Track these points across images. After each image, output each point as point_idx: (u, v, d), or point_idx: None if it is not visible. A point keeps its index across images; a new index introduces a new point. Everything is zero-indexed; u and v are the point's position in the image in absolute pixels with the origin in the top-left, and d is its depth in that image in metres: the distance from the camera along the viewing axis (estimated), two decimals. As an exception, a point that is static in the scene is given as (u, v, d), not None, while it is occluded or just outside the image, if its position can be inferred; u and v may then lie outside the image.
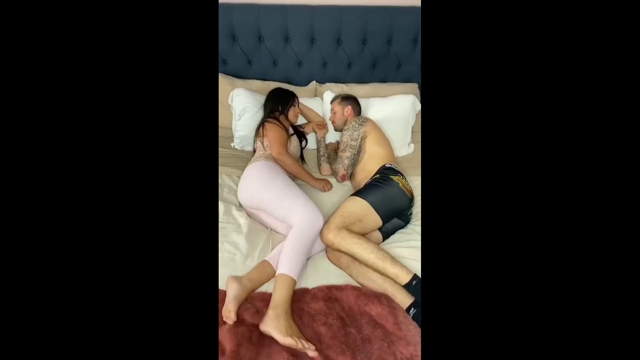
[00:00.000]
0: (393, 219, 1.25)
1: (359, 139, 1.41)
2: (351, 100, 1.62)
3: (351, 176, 1.47)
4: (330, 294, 0.98)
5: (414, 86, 1.96)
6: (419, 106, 1.81)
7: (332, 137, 1.74)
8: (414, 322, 0.92)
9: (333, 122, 1.64)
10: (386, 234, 1.25)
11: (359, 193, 1.22)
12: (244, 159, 1.58)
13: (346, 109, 1.58)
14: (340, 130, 1.61)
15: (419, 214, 1.31)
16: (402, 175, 1.31)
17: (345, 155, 1.41)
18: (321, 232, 1.11)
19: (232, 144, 1.71)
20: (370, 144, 1.42)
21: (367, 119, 1.47)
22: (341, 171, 1.41)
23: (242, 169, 1.40)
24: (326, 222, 1.14)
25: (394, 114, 1.73)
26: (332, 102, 1.66)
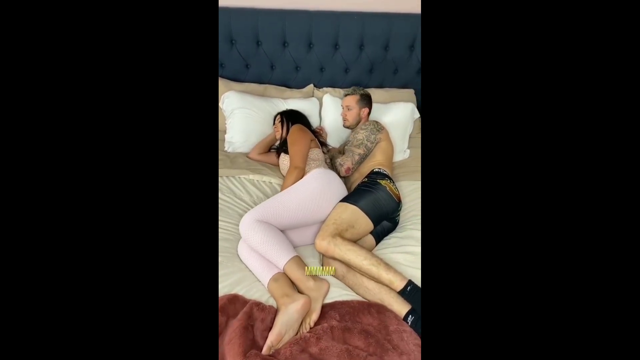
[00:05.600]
0: (382, 221, 1.26)
1: (375, 143, 1.45)
2: (369, 101, 1.61)
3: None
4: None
5: (411, 92, 1.97)
6: (417, 114, 1.86)
7: (333, 141, 1.75)
8: (409, 330, 0.92)
9: (345, 119, 1.61)
10: (377, 236, 1.26)
11: (348, 199, 1.22)
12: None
13: (363, 110, 1.58)
14: (349, 128, 1.62)
15: (414, 218, 1.32)
16: (390, 179, 1.33)
17: (358, 152, 1.41)
18: (315, 241, 1.12)
19: (224, 148, 1.73)
20: (375, 149, 1.45)
21: (383, 127, 1.51)
22: (348, 164, 1.40)
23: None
24: (319, 230, 1.14)
25: (394, 120, 1.75)
26: (347, 95, 1.61)
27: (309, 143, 1.40)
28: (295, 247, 1.18)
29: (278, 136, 1.60)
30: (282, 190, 1.29)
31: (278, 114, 1.66)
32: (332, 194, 1.23)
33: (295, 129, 1.44)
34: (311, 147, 1.41)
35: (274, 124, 1.66)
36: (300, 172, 1.30)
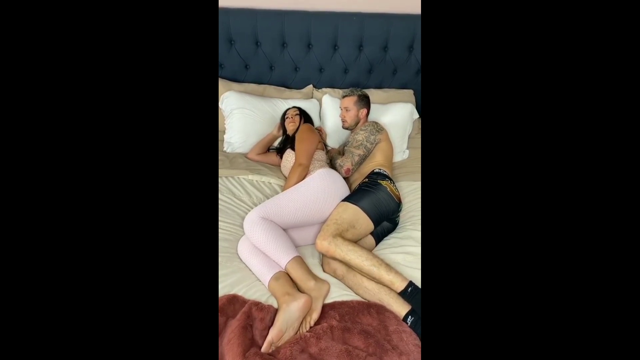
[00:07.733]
0: (383, 222, 1.27)
1: (375, 144, 1.45)
2: (367, 102, 1.60)
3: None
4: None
5: (410, 92, 1.97)
6: (416, 115, 1.87)
7: (333, 141, 1.75)
8: (408, 331, 0.92)
9: (344, 120, 1.60)
10: (377, 236, 1.27)
11: (349, 199, 1.23)
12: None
13: (362, 111, 1.57)
14: (348, 129, 1.62)
15: (413, 219, 1.33)
16: (391, 179, 1.33)
17: (357, 153, 1.42)
18: (316, 241, 1.12)
19: (223, 148, 1.74)
20: (375, 150, 1.45)
21: (383, 128, 1.51)
22: (348, 164, 1.40)
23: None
24: (320, 230, 1.14)
25: (393, 121, 1.75)
26: (345, 96, 1.60)
27: (317, 143, 1.41)
28: (296, 246, 1.18)
29: (292, 128, 1.58)
30: (285, 187, 1.30)
31: (294, 107, 1.68)
32: (336, 194, 1.23)
33: (306, 127, 1.46)
34: (317, 148, 1.42)
35: (284, 117, 1.65)
36: (304, 170, 1.31)
